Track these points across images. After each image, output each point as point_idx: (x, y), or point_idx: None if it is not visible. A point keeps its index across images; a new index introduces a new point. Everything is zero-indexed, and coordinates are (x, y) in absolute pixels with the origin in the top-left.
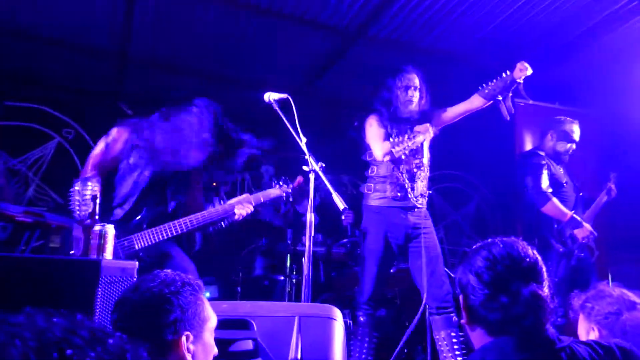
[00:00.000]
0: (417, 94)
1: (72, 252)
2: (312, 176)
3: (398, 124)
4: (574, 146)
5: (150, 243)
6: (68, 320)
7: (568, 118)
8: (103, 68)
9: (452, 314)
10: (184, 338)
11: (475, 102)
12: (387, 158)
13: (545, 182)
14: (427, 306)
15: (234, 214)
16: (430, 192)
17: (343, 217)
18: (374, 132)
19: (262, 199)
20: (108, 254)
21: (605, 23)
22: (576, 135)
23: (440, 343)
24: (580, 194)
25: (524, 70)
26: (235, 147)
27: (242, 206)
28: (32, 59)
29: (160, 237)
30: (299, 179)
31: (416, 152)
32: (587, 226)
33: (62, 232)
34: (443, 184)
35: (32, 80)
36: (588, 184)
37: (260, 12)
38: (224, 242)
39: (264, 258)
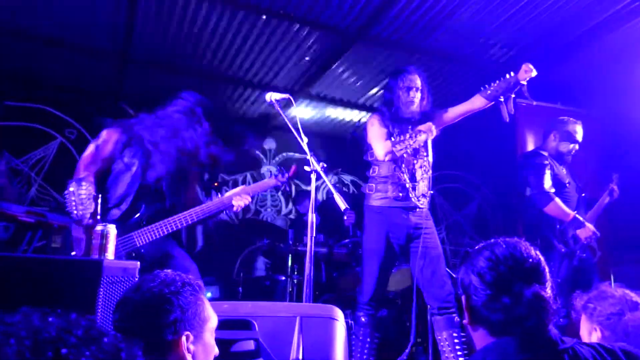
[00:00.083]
0: (418, 94)
1: (73, 252)
2: (313, 176)
3: (400, 124)
4: (576, 147)
5: (151, 239)
6: (63, 320)
7: (571, 119)
8: (103, 68)
9: (454, 315)
10: (184, 338)
11: (477, 102)
12: (389, 157)
13: (548, 182)
14: (429, 307)
15: (232, 205)
16: (432, 192)
17: (345, 218)
18: (375, 132)
19: (258, 190)
20: (110, 254)
21: (607, 23)
22: (579, 136)
23: (442, 343)
24: (583, 194)
25: (528, 72)
26: (237, 146)
27: (239, 197)
28: (33, 59)
29: (161, 233)
30: (294, 167)
31: (417, 151)
32: (590, 226)
33: (64, 232)
34: (444, 185)
35: (32, 81)
36: (589, 185)
37: (260, 12)
38: (225, 243)
39: (265, 258)
